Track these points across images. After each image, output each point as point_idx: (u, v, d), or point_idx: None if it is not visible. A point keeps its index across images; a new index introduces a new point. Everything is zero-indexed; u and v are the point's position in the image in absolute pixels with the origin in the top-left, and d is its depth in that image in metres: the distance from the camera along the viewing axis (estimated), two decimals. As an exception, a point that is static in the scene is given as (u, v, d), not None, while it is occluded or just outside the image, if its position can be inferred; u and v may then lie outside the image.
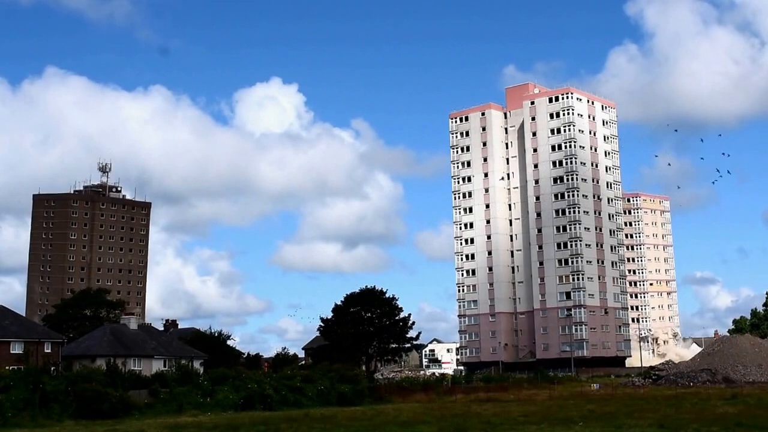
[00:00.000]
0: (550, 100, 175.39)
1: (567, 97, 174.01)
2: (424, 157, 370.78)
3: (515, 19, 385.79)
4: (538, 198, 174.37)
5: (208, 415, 60.28)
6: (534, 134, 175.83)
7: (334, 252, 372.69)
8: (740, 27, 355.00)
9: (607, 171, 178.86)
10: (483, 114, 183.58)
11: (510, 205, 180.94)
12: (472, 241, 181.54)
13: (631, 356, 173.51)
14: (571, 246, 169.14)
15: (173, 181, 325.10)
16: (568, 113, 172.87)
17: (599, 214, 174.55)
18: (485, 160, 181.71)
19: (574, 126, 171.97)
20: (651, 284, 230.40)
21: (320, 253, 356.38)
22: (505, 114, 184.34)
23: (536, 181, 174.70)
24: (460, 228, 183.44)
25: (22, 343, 78.52)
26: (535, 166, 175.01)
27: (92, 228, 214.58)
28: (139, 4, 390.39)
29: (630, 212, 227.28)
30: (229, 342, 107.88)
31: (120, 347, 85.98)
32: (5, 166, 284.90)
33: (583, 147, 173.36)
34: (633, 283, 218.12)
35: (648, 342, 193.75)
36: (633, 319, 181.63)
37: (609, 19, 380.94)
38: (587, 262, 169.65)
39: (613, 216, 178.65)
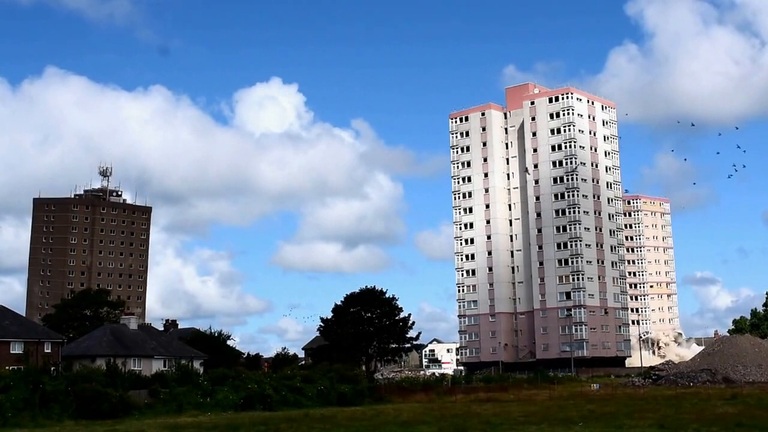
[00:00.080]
0: (550, 100, 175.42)
1: (567, 97, 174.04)
2: (424, 157, 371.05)
3: (515, 19, 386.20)
4: (538, 198, 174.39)
5: (208, 415, 60.28)
6: (534, 134, 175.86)
7: (334, 252, 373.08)
8: (740, 27, 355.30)
9: (607, 171, 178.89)
10: (483, 114, 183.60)
11: (510, 206, 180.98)
12: (472, 241, 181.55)
13: (631, 356, 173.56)
14: (571, 246, 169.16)
15: (173, 181, 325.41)
16: (568, 113, 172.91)
17: (599, 214, 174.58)
18: (485, 160, 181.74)
19: (574, 126, 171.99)
20: (651, 286, 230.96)
21: (320, 253, 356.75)
22: (505, 114, 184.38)
23: (536, 182, 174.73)
24: (460, 228, 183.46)
25: (22, 343, 78.49)
26: (535, 166, 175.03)
27: (92, 233, 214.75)
28: (139, 4, 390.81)
29: (630, 215, 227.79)
30: (229, 342, 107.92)
31: (120, 347, 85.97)
32: (5, 166, 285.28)
33: (583, 147, 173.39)
34: (633, 285, 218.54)
35: (649, 345, 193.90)
36: (633, 321, 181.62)
37: (609, 19, 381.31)
38: (587, 262, 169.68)
39: (613, 216, 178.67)
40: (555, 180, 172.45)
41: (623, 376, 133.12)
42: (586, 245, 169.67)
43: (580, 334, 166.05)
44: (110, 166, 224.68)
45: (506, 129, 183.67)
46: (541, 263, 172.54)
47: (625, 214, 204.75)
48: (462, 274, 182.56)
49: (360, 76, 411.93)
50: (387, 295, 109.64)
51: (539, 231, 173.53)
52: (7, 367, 68.08)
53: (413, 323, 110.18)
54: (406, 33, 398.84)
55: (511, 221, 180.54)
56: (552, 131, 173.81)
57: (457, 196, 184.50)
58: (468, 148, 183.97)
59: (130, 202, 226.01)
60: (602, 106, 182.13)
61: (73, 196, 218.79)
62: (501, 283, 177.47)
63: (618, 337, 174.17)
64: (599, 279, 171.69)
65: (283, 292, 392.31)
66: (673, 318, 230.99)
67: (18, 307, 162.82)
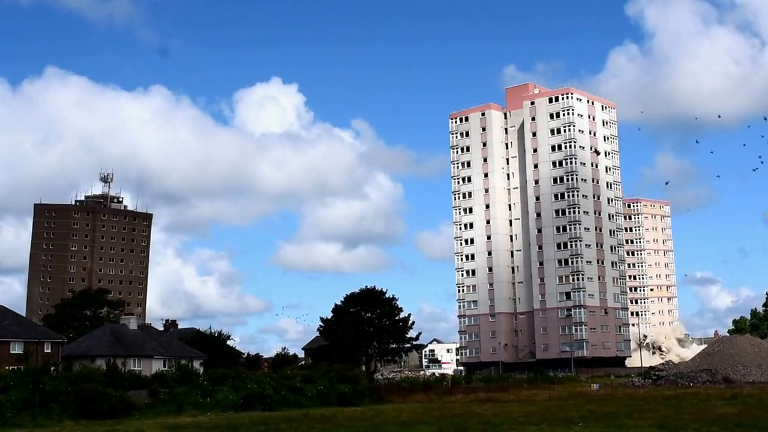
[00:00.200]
0: (550, 101, 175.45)
1: (567, 98, 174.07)
2: (424, 158, 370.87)
3: (515, 19, 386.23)
4: (538, 198, 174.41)
5: (208, 415, 60.28)
6: (534, 134, 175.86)
7: (334, 252, 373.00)
8: (740, 27, 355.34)
9: (607, 171, 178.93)
10: (483, 114, 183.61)
11: (510, 206, 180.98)
12: (472, 241, 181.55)
13: (631, 356, 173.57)
14: (571, 246, 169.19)
15: (173, 181, 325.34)
16: (568, 113, 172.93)
17: (599, 214, 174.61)
18: (485, 160, 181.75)
19: (574, 126, 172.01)
20: (651, 290, 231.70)
21: (320, 253, 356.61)
22: (505, 114, 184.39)
23: (536, 182, 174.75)
24: (460, 228, 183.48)
25: (22, 343, 78.53)
26: (535, 166, 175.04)
27: (93, 239, 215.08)
28: (139, 4, 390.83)
29: (631, 218, 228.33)
30: (229, 342, 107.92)
31: (120, 347, 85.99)
32: (5, 166, 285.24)
33: (583, 147, 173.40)
34: (633, 289, 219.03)
35: (650, 348, 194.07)
36: (633, 324, 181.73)
37: (609, 19, 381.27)
38: (587, 262, 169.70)
39: (613, 216, 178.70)
40: (555, 180, 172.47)
41: (623, 376, 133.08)
42: (586, 245, 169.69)
43: (580, 334, 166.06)
44: (111, 172, 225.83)
45: (506, 129, 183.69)
46: (541, 263, 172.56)
47: (625, 218, 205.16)
48: (462, 274, 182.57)
49: (360, 76, 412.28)
50: (387, 296, 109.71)
51: (539, 231, 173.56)
52: (7, 367, 68.11)
53: (413, 323, 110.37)
54: (406, 33, 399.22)
55: (511, 221, 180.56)
56: (552, 131, 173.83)
57: (457, 196, 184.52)
58: (468, 149, 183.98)
59: (131, 208, 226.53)
60: (602, 106, 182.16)
61: (73, 202, 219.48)
62: (501, 283, 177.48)
63: (618, 337, 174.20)
64: (599, 279, 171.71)
65: (283, 292, 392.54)
66: (673, 321, 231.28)
67: (18, 309, 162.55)
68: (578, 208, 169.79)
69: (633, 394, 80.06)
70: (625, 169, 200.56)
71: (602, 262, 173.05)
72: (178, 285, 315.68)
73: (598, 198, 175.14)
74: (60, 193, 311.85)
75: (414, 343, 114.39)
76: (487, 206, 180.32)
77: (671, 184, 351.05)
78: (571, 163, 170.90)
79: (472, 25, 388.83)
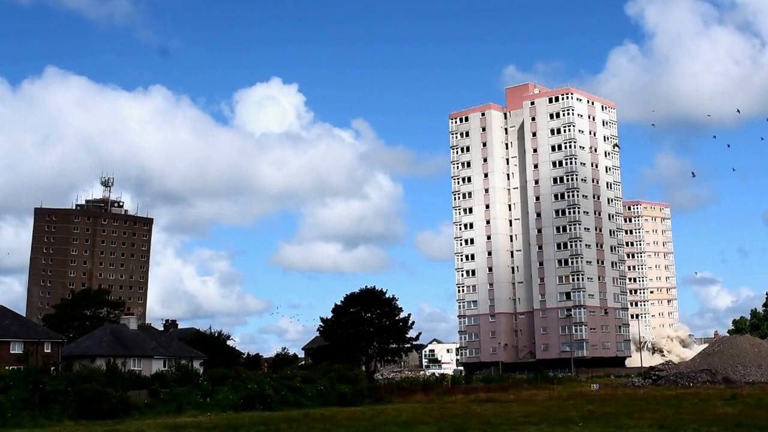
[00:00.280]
0: (550, 101, 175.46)
1: (567, 98, 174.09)
2: (425, 158, 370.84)
3: (515, 20, 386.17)
4: (538, 198, 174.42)
5: (208, 415, 60.29)
6: (534, 135, 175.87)
7: (334, 252, 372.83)
8: (741, 27, 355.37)
9: (607, 171, 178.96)
10: (483, 114, 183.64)
11: (510, 206, 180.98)
12: (472, 241, 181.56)
13: (631, 356, 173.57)
14: (571, 246, 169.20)
15: (173, 181, 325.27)
16: (568, 113, 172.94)
17: (599, 214, 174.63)
18: (485, 160, 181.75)
19: (574, 126, 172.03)
20: (651, 292, 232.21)
21: (320, 253, 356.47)
22: (505, 114, 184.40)
23: (536, 182, 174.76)
24: (460, 228, 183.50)
25: (22, 343, 78.50)
26: (535, 166, 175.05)
27: (93, 244, 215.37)
28: (139, 4, 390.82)
29: (631, 220, 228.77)
30: (229, 342, 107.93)
31: (120, 347, 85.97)
32: (5, 166, 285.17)
33: (583, 147, 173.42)
34: (634, 291, 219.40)
35: (650, 350, 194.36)
36: (632, 325, 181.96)
37: (609, 19, 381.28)
38: (587, 262, 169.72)
39: (612, 216, 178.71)
40: (555, 180, 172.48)
41: (623, 376, 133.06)
42: (585, 245, 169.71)
43: (580, 334, 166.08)
44: (112, 176, 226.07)
45: (506, 129, 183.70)
46: (541, 263, 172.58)
47: (625, 220, 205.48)
48: (462, 275, 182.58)
49: (360, 76, 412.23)
50: (387, 296, 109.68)
51: (539, 231, 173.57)
52: (7, 367, 68.12)
53: (413, 323, 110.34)
54: (406, 33, 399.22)
55: (511, 221, 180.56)
56: (552, 131, 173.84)
57: (457, 196, 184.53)
58: (468, 149, 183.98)
59: (132, 212, 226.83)
60: (602, 106, 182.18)
61: (74, 207, 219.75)
62: (501, 284, 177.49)
63: (618, 337, 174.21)
64: (599, 279, 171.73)
65: (283, 292, 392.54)
66: (673, 323, 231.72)
67: (17, 310, 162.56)
68: (578, 208, 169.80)
69: (633, 394, 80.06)
70: (625, 169, 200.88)
71: (602, 262, 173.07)
72: (178, 285, 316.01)
73: (598, 198, 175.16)
74: (60, 193, 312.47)
75: (414, 343, 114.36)
76: (487, 206, 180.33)
77: (671, 184, 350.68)
78: (571, 163, 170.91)
79: (472, 25, 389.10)
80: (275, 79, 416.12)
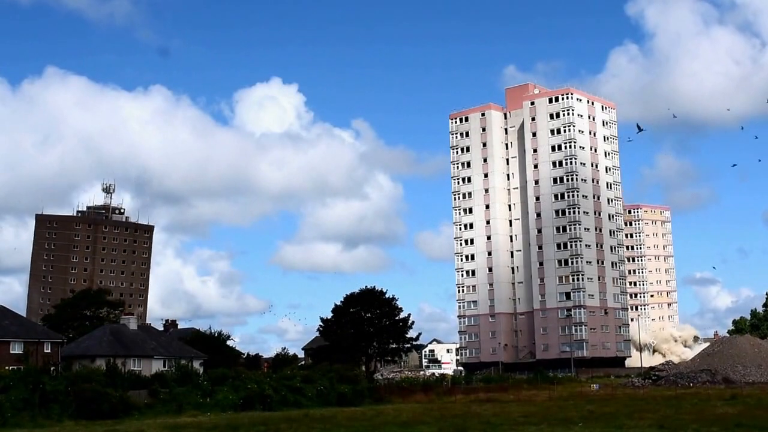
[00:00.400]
0: (550, 101, 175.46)
1: (567, 98, 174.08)
2: (425, 158, 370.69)
3: (515, 20, 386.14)
4: (538, 198, 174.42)
5: (208, 415, 60.30)
6: (534, 135, 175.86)
7: (334, 252, 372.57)
8: (741, 27, 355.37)
9: (607, 171, 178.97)
10: (483, 114, 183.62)
11: (510, 206, 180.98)
12: (472, 241, 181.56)
13: (630, 356, 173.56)
14: (571, 246, 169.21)
15: (173, 181, 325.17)
16: (568, 114, 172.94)
17: (599, 214, 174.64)
18: (485, 160, 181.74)
19: (574, 126, 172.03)
20: (652, 296, 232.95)
21: (320, 253, 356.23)
22: (505, 114, 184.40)
23: (536, 182, 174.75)
24: (460, 228, 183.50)
25: (22, 343, 78.51)
26: (535, 166, 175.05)
27: (94, 251, 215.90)
28: (139, 4, 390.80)
29: (631, 224, 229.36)
30: (228, 342, 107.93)
31: (120, 347, 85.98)
32: (5, 166, 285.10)
33: (583, 147, 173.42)
34: (634, 295, 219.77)
35: (651, 351, 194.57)
36: (631, 324, 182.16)
37: (609, 19, 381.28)
38: (587, 262, 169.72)
39: (612, 216, 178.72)
40: (555, 180, 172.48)
41: (623, 376, 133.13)
42: (585, 245, 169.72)
43: (579, 334, 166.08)
44: (113, 183, 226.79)
45: (506, 129, 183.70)
46: (541, 263, 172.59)
47: (625, 223, 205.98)
48: (462, 275, 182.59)
49: (360, 76, 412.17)
50: (387, 296, 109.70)
51: (539, 231, 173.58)
52: (6, 367, 68.14)
53: (413, 323, 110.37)
54: (406, 33, 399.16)
55: (511, 222, 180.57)
56: (552, 132, 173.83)
57: (457, 196, 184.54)
58: (468, 149, 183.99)
59: (132, 217, 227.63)
60: (602, 106, 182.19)
61: (75, 213, 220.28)
62: (501, 284, 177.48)
63: (618, 338, 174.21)
64: (599, 279, 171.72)
65: (283, 292, 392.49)
66: (674, 325, 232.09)
67: (17, 311, 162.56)
68: (578, 208, 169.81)
69: (633, 394, 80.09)
70: (624, 169, 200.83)
71: (602, 263, 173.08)
72: (178, 285, 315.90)
73: (598, 198, 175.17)
74: (60, 193, 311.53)
75: (414, 343, 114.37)
76: (487, 206, 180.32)
77: (671, 184, 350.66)
78: (571, 163, 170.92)
79: (472, 25, 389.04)
80: (275, 79, 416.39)
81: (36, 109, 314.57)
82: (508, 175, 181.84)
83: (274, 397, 68.61)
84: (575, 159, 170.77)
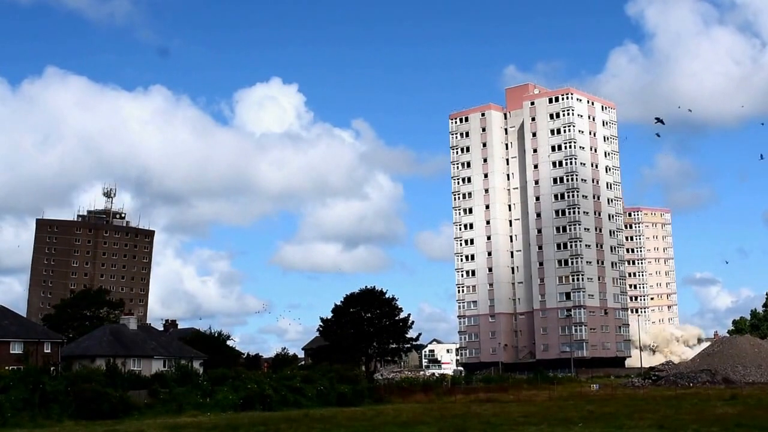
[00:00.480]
0: (550, 101, 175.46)
1: (567, 98, 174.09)
2: (425, 158, 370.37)
3: (516, 19, 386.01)
4: (538, 198, 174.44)
5: (208, 415, 60.31)
6: (534, 135, 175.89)
7: (334, 252, 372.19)
8: (741, 27, 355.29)
9: (607, 172, 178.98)
10: (483, 114, 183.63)
11: (510, 206, 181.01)
12: (472, 241, 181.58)
13: (630, 357, 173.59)
14: (571, 246, 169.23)
15: (173, 181, 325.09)
16: (568, 114, 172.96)
17: (599, 215, 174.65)
18: (485, 160, 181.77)
19: (573, 127, 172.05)
20: (652, 299, 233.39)
21: (320, 253, 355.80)
22: (505, 114, 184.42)
23: (536, 182, 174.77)
24: (460, 229, 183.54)
25: (22, 343, 78.49)
26: (535, 166, 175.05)
27: (95, 256, 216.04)
28: (139, 4, 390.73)
29: (631, 227, 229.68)
30: (228, 342, 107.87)
31: (120, 347, 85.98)
32: (5, 166, 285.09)
33: (583, 148, 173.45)
34: (634, 298, 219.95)
35: (651, 351, 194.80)
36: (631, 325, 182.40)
37: (609, 19, 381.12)
38: (587, 262, 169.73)
39: (612, 216, 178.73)
40: (555, 180, 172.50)
41: (623, 376, 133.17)
42: (585, 246, 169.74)
43: (579, 334, 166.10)
44: (114, 188, 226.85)
45: (506, 129, 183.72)
46: (540, 264, 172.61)
47: (626, 227, 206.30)
48: (462, 275, 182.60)
49: (360, 76, 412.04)
50: (387, 296, 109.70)
51: (539, 231, 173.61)
52: (6, 367, 68.13)
53: (413, 323, 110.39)
54: (406, 33, 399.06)
55: (510, 222, 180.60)
56: (552, 132, 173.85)
57: (456, 196, 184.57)
58: (468, 149, 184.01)
59: (133, 222, 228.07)
60: (602, 106, 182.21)
61: (76, 218, 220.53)
62: (501, 284, 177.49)
63: (618, 338, 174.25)
64: (599, 279, 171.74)
65: (283, 292, 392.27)
66: (676, 328, 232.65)
67: (17, 311, 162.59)
68: (578, 208, 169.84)
69: (633, 394, 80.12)
70: (625, 169, 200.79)
71: (602, 263, 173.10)
72: (178, 285, 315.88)
73: (598, 198, 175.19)
74: (60, 193, 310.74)
75: (414, 343, 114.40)
76: (487, 207, 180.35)
77: (671, 185, 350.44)
78: (571, 163, 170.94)
79: (472, 25, 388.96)
80: (275, 79, 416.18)
81: (36, 109, 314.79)
82: (508, 175, 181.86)
83: (274, 397, 68.63)
84: (575, 159, 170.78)
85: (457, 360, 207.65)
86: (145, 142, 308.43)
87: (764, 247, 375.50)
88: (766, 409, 52.07)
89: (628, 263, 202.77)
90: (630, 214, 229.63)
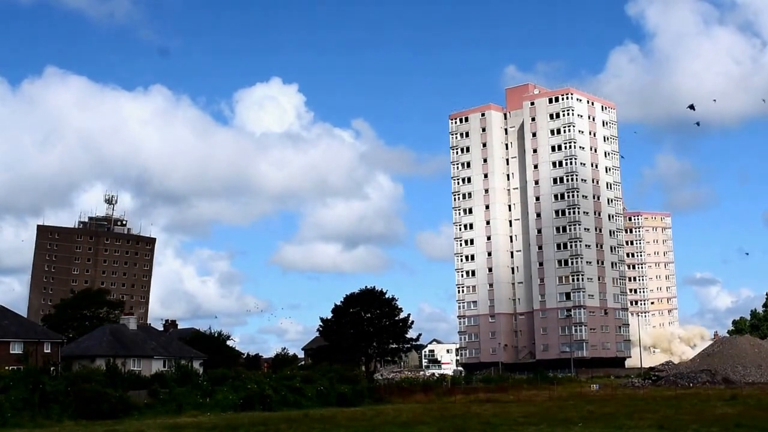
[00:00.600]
0: (550, 101, 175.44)
1: (567, 98, 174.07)
2: (425, 158, 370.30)
3: (516, 20, 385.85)
4: (537, 199, 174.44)
5: (208, 415, 60.32)
6: (534, 135, 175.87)
7: (334, 252, 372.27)
8: (741, 27, 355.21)
9: (607, 172, 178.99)
10: (483, 115, 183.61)
11: (510, 206, 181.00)
12: (471, 242, 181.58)
13: (630, 357, 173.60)
14: (571, 247, 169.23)
15: (173, 181, 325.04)
16: (568, 114, 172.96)
17: (599, 214, 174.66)
18: (485, 161, 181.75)
19: (573, 127, 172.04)
20: (652, 303, 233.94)
21: (320, 253, 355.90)
22: (505, 115, 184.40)
23: (536, 182, 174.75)
24: (460, 229, 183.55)
25: (22, 343, 78.48)
26: (535, 166, 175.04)
27: (95, 263, 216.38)
28: (139, 4, 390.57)
29: (632, 231, 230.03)
30: (228, 342, 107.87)
31: (119, 347, 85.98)
32: (5, 166, 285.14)
33: (583, 148, 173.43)
34: (634, 302, 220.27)
35: (651, 351, 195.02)
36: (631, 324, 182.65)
37: (610, 19, 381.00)
38: (587, 262, 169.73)
39: (612, 217, 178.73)
40: (555, 181, 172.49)
41: (623, 376, 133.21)
42: (585, 246, 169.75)
43: (579, 334, 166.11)
44: (116, 195, 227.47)
45: (506, 130, 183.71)
46: (540, 264, 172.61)
47: (626, 231, 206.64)
48: (462, 275, 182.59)
49: (360, 76, 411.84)
50: (387, 296, 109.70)
51: (539, 231, 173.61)
52: (6, 367, 68.13)
53: (413, 323, 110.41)
54: (406, 33, 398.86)
55: (510, 222, 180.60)
56: (552, 132, 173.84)
57: (456, 196, 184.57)
58: (468, 149, 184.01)
59: (134, 231, 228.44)
60: (602, 106, 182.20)
61: (77, 225, 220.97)
62: (501, 284, 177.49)
63: (618, 338, 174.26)
64: (599, 279, 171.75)
65: (283, 293, 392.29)
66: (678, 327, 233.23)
67: (17, 310, 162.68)
68: (578, 208, 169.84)
69: (633, 394, 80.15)
70: (625, 169, 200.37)
71: (602, 263, 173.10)
72: (178, 285, 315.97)
73: (598, 198, 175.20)
74: (60, 193, 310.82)
75: (414, 343, 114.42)
76: (487, 207, 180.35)
77: (671, 185, 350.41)
78: (570, 163, 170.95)
79: (472, 25, 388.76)
80: (275, 79, 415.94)
81: (36, 109, 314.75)
82: (508, 176, 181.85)
83: (274, 397, 68.64)
84: (575, 159, 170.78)
85: (457, 360, 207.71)
86: (145, 142, 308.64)
87: (765, 247, 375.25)
88: (766, 410, 52.07)
89: (629, 267, 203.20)
90: (630, 219, 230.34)
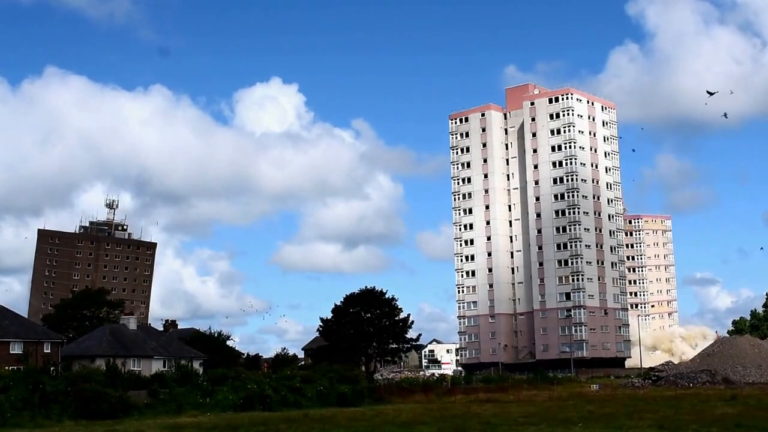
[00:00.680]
0: (550, 101, 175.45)
1: (567, 98, 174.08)
2: (425, 158, 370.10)
3: (516, 20, 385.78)
4: (537, 199, 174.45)
5: (208, 415, 60.32)
6: (534, 135, 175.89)
7: (334, 252, 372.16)
8: (742, 27, 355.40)
9: (607, 172, 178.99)
10: (483, 115, 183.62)
11: (510, 206, 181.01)
12: (471, 242, 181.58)
13: (630, 357, 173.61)
14: (571, 247, 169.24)
15: (173, 180, 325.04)
16: (568, 114, 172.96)
17: (599, 215, 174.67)
18: (485, 161, 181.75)
19: (573, 127, 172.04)
20: (653, 306, 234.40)
21: (320, 253, 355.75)
22: (505, 115, 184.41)
23: (536, 182, 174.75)
24: (460, 229, 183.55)
25: (22, 343, 78.47)
26: (535, 167, 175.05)
27: (96, 268, 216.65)
28: (139, 3, 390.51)
29: (632, 234, 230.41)
30: (228, 342, 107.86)
31: (119, 347, 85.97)
32: (5, 165, 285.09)
33: (583, 148, 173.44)
34: (635, 305, 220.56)
35: (651, 350, 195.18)
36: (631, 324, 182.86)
37: (610, 19, 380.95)
38: (587, 262, 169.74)
39: (612, 217, 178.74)
40: (555, 181, 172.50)
41: (623, 376, 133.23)
42: (585, 246, 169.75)
43: (579, 334, 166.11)
44: (116, 199, 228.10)
45: (506, 130, 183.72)
46: (540, 264, 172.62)
47: (626, 233, 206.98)
48: (462, 275, 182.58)
49: (360, 77, 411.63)
50: (387, 296, 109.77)
51: (539, 232, 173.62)
52: (6, 367, 68.14)
53: (413, 323, 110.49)
54: (406, 33, 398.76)
55: (510, 222, 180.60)
56: (552, 132, 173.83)
57: (456, 197, 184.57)
58: (468, 149, 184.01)
59: (135, 236, 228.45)
60: (602, 106, 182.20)
61: (78, 229, 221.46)
62: (501, 284, 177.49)
63: (618, 338, 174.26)
64: (599, 280, 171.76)
65: (283, 293, 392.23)
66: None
67: (17, 311, 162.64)
68: (578, 208, 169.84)
69: (633, 394, 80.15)
70: (625, 169, 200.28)
71: (602, 263, 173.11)
72: (178, 285, 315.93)
73: (598, 199, 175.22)
74: (60, 193, 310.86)
75: (414, 343, 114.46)
76: (487, 207, 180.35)
77: (671, 185, 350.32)
78: (571, 163, 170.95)
79: (472, 25, 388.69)
80: (275, 79, 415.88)
81: (36, 109, 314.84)
82: (508, 176, 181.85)
83: (274, 397, 68.64)
84: (575, 159, 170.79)
85: (457, 360, 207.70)
86: (145, 141, 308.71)
87: (764, 247, 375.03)
88: (766, 410, 52.07)
89: (630, 270, 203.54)
90: (630, 221, 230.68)
